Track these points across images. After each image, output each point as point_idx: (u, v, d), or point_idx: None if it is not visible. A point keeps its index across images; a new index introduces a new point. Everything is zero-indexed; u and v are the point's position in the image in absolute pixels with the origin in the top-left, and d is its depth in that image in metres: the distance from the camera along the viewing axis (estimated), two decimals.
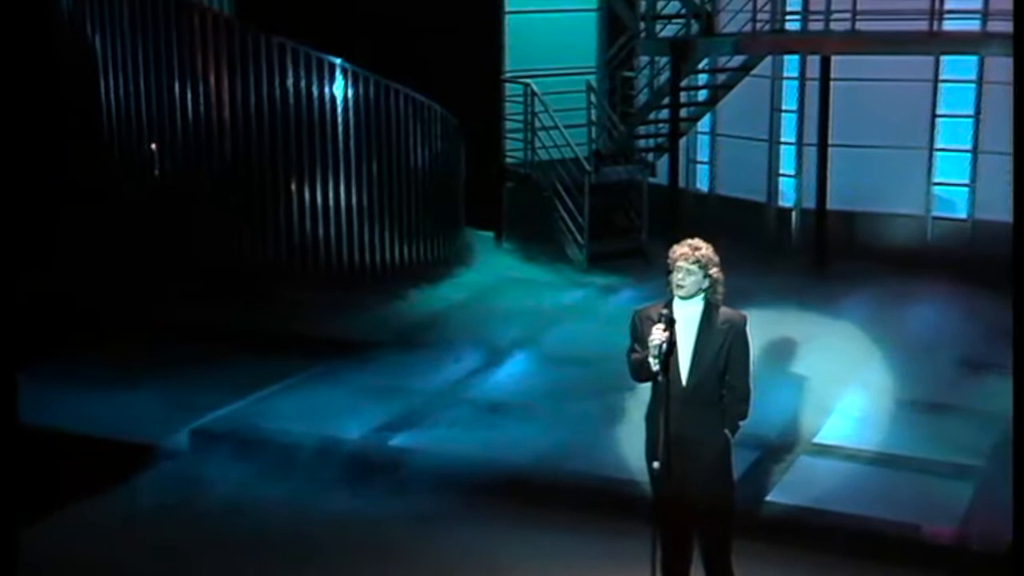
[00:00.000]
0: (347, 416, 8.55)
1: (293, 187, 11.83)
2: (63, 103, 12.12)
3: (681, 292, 5.62)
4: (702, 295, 5.65)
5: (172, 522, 7.17)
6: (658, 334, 5.45)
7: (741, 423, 5.70)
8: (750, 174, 13.52)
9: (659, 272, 11.73)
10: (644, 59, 14.09)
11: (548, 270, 12.93)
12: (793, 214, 13.42)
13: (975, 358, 9.59)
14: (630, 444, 7.27)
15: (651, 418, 5.69)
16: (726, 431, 5.65)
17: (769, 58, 12.90)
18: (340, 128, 11.84)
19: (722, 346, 5.60)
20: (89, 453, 7.97)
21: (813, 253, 12.66)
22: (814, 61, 12.52)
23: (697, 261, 5.58)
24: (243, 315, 10.83)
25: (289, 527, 7.11)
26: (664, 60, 12.97)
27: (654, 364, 5.49)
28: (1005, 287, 11.14)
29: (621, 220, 13.66)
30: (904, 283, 11.59)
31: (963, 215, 12.77)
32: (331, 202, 11.90)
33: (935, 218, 12.87)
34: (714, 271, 5.63)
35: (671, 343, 5.51)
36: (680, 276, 5.60)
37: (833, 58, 12.04)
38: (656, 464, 5.52)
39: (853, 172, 12.70)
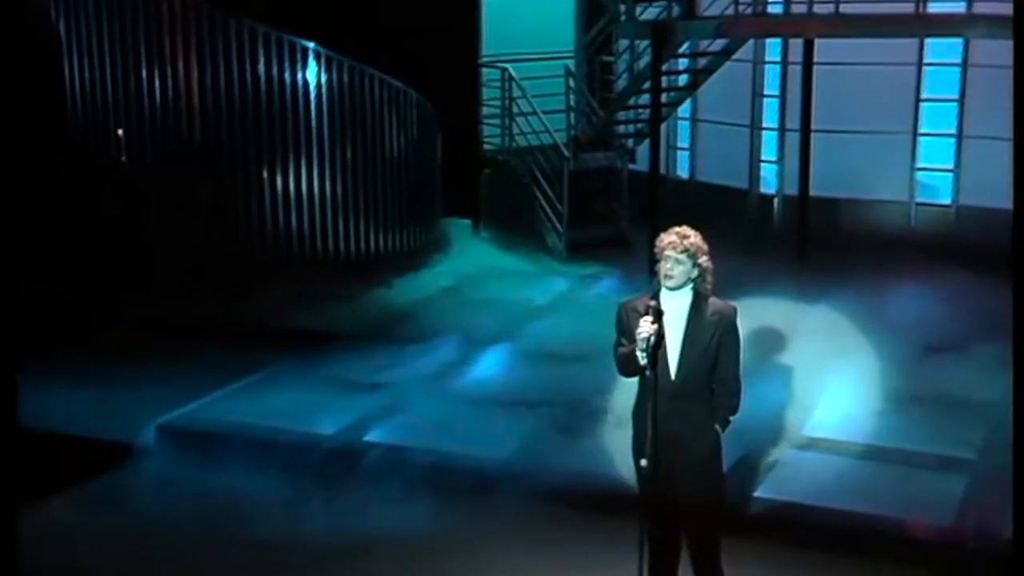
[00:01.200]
0: (321, 411, 8.30)
1: (265, 175, 11.53)
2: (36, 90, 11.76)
3: (670, 283, 5.40)
4: (691, 285, 5.44)
5: (134, 522, 6.91)
6: (646, 327, 5.23)
7: (732, 418, 5.49)
8: (731, 160, 13.32)
9: (640, 260, 11.79)
10: (624, 43, 13.83)
11: (527, 259, 12.68)
12: (775, 201, 13.23)
13: (963, 347, 9.40)
14: (615, 440, 7.11)
15: (638, 414, 5.48)
16: (716, 426, 5.44)
17: (751, 42, 12.67)
18: (313, 114, 11.54)
19: (711, 338, 5.38)
20: (53, 451, 7.68)
21: (795, 241, 12.44)
22: (796, 45, 12.29)
23: (686, 250, 5.37)
24: (215, 307, 10.54)
25: (258, 526, 6.84)
26: (644, 44, 12.72)
27: (642, 358, 5.27)
28: (990, 273, 11.17)
29: (601, 208, 13.43)
30: (888, 271, 11.42)
31: (947, 201, 12.60)
32: (304, 191, 11.60)
33: (919, 204, 12.69)
34: (703, 260, 5.41)
35: (659, 336, 5.29)
36: (668, 266, 5.38)
37: (816, 42, 11.83)
38: (644, 461, 5.30)
39: (835, 158, 12.49)
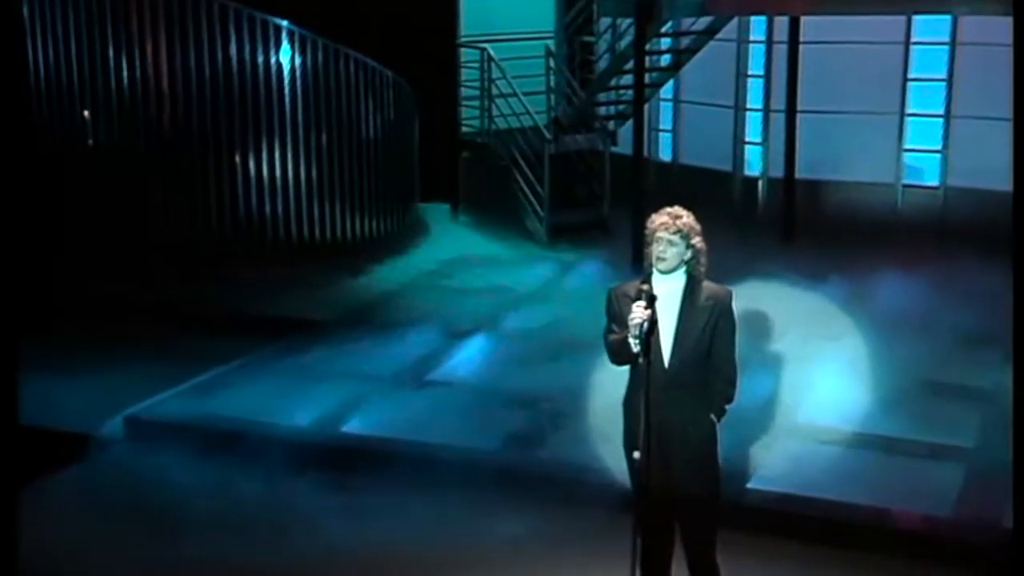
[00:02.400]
0: (297, 401, 7.98)
1: (237, 158, 11.19)
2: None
3: (662, 265, 5.12)
4: (684, 269, 5.17)
5: (96, 517, 6.60)
6: (639, 312, 4.94)
7: (727, 407, 5.23)
8: (715, 142, 13.01)
9: (624, 245, 11.51)
10: (605, 23, 13.52)
11: (507, 244, 12.38)
12: (760, 183, 12.95)
13: (953, 331, 9.17)
14: (605, 431, 6.85)
15: (630, 404, 5.20)
16: (711, 416, 5.18)
17: (735, 21, 12.38)
18: (287, 95, 11.20)
19: (706, 324, 5.12)
20: (19, 443, 7.33)
21: (781, 224, 12.20)
22: (781, 24, 12.03)
23: (679, 231, 5.09)
24: (185, 294, 10.20)
25: (229, 519, 6.56)
26: (627, 23, 12.40)
27: (634, 345, 4.98)
28: (979, 256, 10.95)
29: (582, 191, 13.13)
30: (876, 254, 11.19)
31: (935, 182, 12.37)
32: (278, 174, 11.27)
33: (906, 186, 12.45)
34: (697, 240, 5.14)
35: (652, 322, 5.01)
36: (661, 248, 5.10)
37: (802, 20, 11.56)
38: (636, 453, 5.02)
39: (821, 139, 12.24)
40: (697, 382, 5.14)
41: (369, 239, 11.89)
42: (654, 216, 5.20)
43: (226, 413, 7.79)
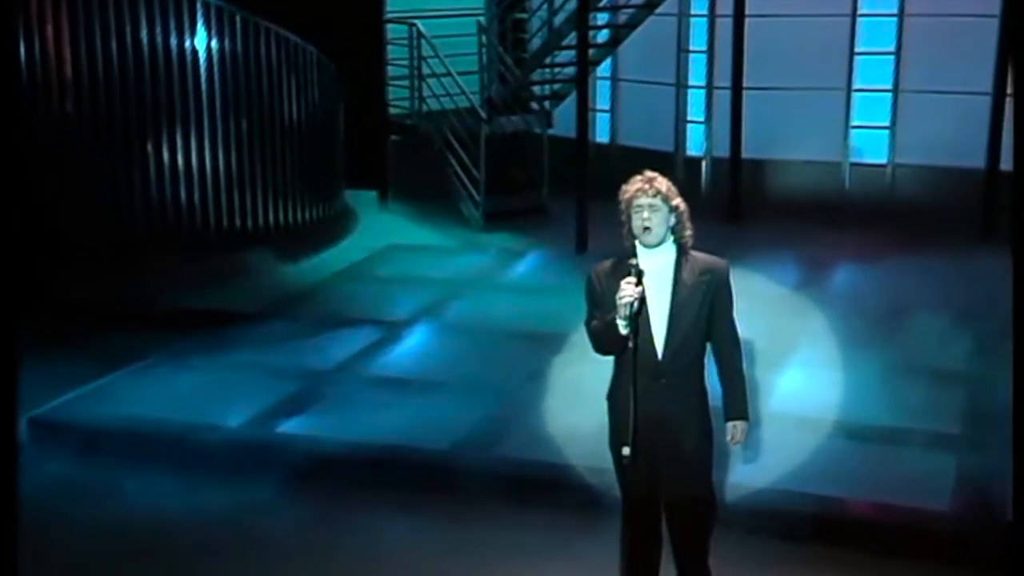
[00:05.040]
0: (225, 399, 7.25)
1: (150, 144, 10.32)
2: None
3: (649, 236, 4.52)
4: (672, 240, 4.58)
5: None
6: (629, 290, 4.35)
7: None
8: (655, 122, 12.52)
9: (564, 231, 10.91)
10: None
11: (442, 232, 11.72)
12: (703, 164, 12.47)
13: (915, 313, 8.75)
14: (569, 425, 6.40)
15: (616, 395, 4.61)
16: (740, 407, 4.68)
17: None
18: (203, 74, 10.36)
19: (703, 302, 4.54)
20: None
21: (727, 206, 11.72)
22: None
23: (658, 192, 4.53)
24: (96, 286, 9.35)
25: (150, 528, 5.88)
26: None
27: (623, 328, 4.38)
28: (931, 235, 10.59)
29: (519, 175, 12.51)
30: (826, 236, 10.82)
31: (883, 160, 12.00)
32: (194, 160, 10.42)
33: (853, 164, 12.07)
34: (678, 202, 4.59)
35: (642, 301, 4.41)
36: (645, 215, 4.51)
37: None
38: (626, 450, 4.42)
39: (765, 117, 11.80)
40: (693, 369, 4.57)
41: (293, 228, 11.13)
42: (625, 186, 4.63)
43: (143, 413, 7.02)
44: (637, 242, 4.57)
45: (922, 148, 11.56)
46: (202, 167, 10.49)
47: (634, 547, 4.73)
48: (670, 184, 4.61)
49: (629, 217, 4.56)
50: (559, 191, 11.88)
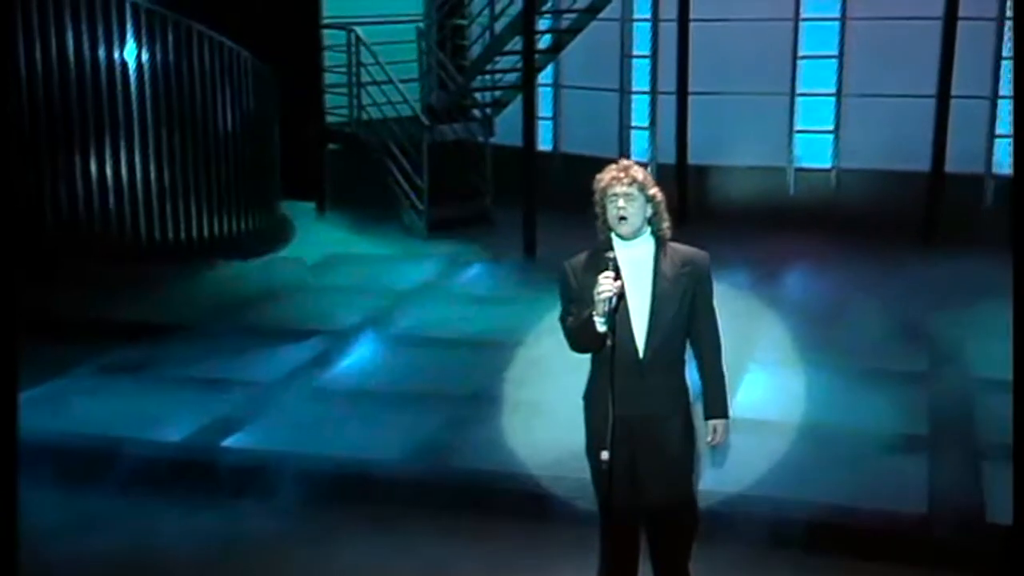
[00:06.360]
0: (161, 414, 6.85)
1: (77, 152, 9.90)
2: None
3: (626, 227, 4.29)
4: (649, 231, 4.36)
5: None
6: (607, 284, 4.11)
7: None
8: (598, 128, 12.34)
9: (511, 239, 10.66)
10: (478, 5, 12.67)
11: (384, 241, 11.40)
12: (648, 170, 12.28)
13: (867, 316, 8.64)
14: (525, 434, 6.22)
15: (593, 396, 4.35)
16: (721, 407, 4.44)
17: None
18: (133, 80, 9.99)
19: (684, 295, 4.32)
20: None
21: (673, 212, 11.50)
22: (667, 1, 11.43)
23: (633, 180, 4.32)
24: (21, 297, 8.86)
25: (83, 553, 5.45)
26: (505, 1, 11.61)
27: (601, 324, 4.13)
28: (875, 238, 10.53)
29: (461, 184, 12.24)
30: (773, 241, 10.71)
31: (827, 165, 11.94)
32: (124, 169, 10.08)
33: (798, 169, 11.99)
34: (654, 191, 4.39)
35: (620, 296, 4.17)
36: (621, 204, 4.29)
37: None
38: (605, 454, 4.16)
39: (708, 123, 11.69)
40: (675, 366, 4.34)
41: (227, 239, 10.76)
42: (599, 176, 4.41)
43: (74, 429, 6.60)
44: (613, 234, 4.34)
45: (866, 152, 11.51)
46: (132, 176, 10.12)
47: (612, 556, 4.47)
48: (646, 172, 4.43)
49: (604, 208, 4.34)
50: (502, 201, 11.67)
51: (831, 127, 11.81)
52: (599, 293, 4.09)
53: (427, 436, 6.54)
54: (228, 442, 6.47)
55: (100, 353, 7.88)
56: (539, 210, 10.25)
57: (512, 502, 5.82)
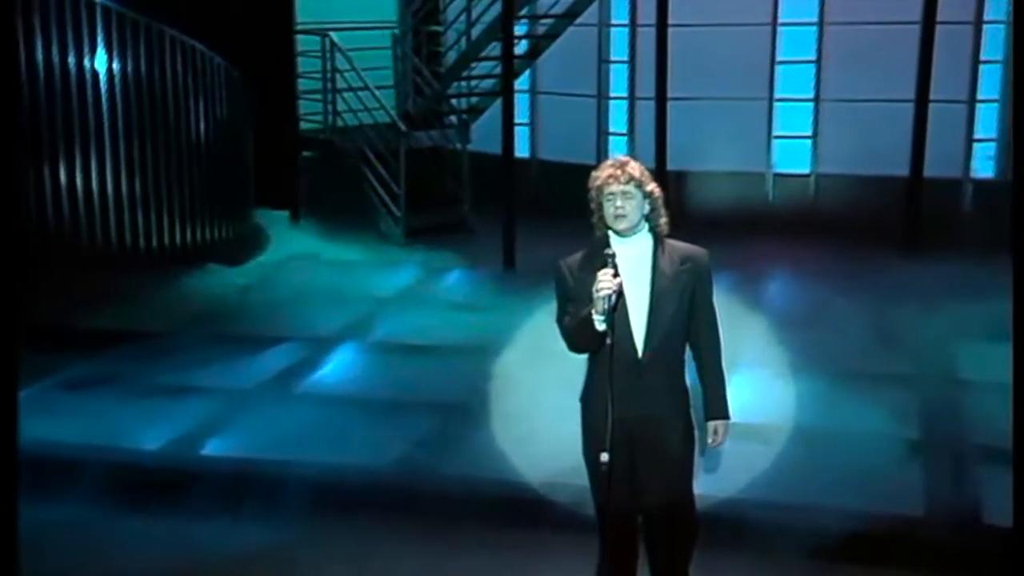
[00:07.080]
0: (138, 422, 6.69)
1: (47, 163, 9.67)
2: None
3: (623, 224, 4.18)
4: (647, 228, 4.25)
5: None
6: (606, 282, 3.99)
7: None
8: (576, 135, 12.23)
9: (489, 247, 10.52)
10: (453, 11, 12.55)
11: (359, 249, 11.22)
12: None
13: (849, 320, 8.58)
14: (512, 439, 6.13)
15: (591, 397, 4.23)
16: (722, 407, 4.37)
17: (595, 3, 11.62)
18: (104, 85, 9.77)
19: (683, 292, 4.21)
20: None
21: None
22: (645, 5, 11.35)
23: (631, 178, 4.20)
24: None
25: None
26: (481, 6, 11.50)
27: (599, 323, 4.01)
28: (854, 243, 10.49)
29: (438, 191, 12.10)
30: (750, 246, 10.64)
31: (805, 170, 11.89)
32: (94, 175, 9.84)
33: (776, 174, 11.94)
34: (652, 187, 4.27)
35: (619, 293, 4.05)
36: (618, 203, 4.17)
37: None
38: (605, 456, 4.03)
39: (687, 128, 11.60)
40: (675, 365, 4.23)
41: (200, 248, 10.55)
42: (595, 173, 4.30)
43: (49, 438, 6.40)
44: (610, 232, 4.22)
45: (844, 157, 11.48)
46: (102, 184, 9.91)
47: (610, 562, 4.35)
48: (643, 168, 4.31)
49: (600, 205, 4.23)
50: (479, 208, 11.53)
51: (810, 132, 11.77)
52: (598, 290, 3.97)
53: (404, 443, 6.40)
54: (202, 451, 6.31)
55: (69, 363, 7.70)
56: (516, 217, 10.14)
57: (497, 508, 5.69)
